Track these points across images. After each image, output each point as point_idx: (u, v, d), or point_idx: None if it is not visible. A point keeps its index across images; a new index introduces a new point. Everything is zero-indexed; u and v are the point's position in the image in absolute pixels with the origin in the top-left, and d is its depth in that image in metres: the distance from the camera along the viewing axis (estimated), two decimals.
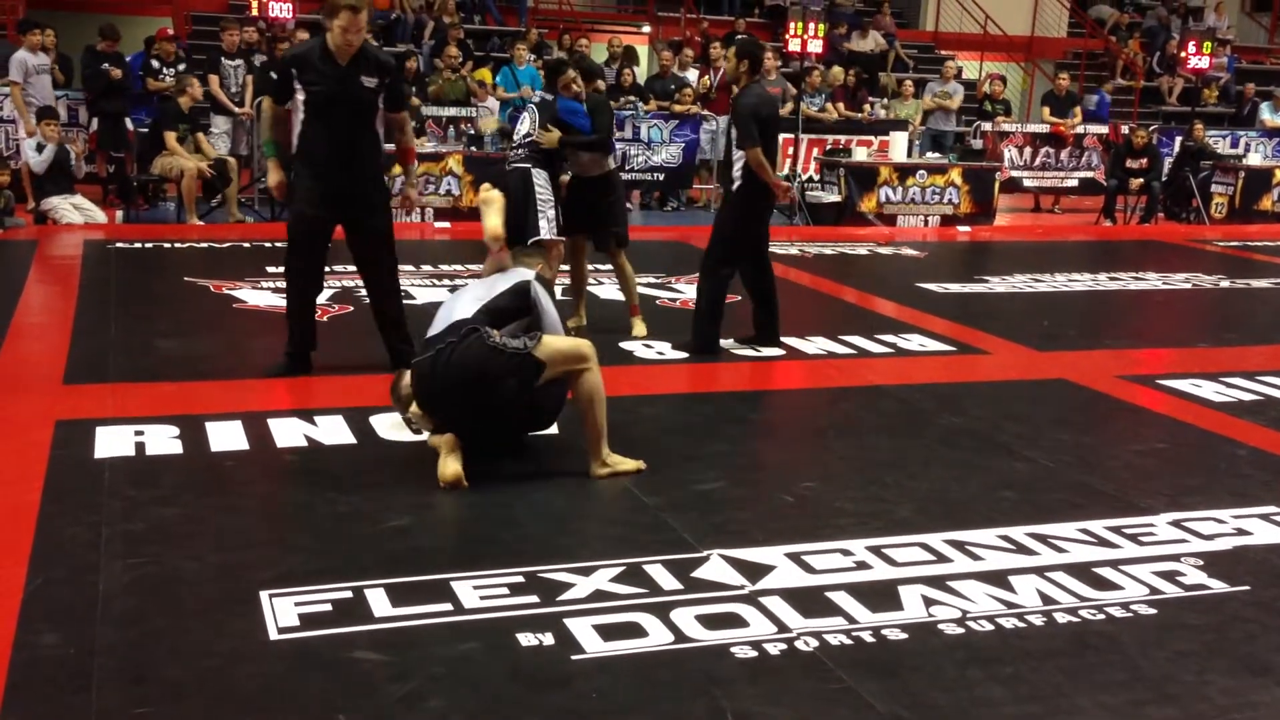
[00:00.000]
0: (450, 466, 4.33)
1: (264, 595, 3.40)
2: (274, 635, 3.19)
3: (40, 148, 10.37)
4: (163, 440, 4.75)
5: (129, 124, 11.56)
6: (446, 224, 11.49)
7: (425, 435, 4.72)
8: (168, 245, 9.57)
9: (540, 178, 6.63)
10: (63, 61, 12.13)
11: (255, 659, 3.08)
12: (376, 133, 5.74)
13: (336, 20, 5.43)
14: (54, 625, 3.21)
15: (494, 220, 5.14)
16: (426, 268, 8.98)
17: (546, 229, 6.62)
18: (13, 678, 2.94)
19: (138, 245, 9.52)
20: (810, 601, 3.50)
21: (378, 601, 3.39)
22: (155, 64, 11.90)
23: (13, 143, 11.33)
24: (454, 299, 4.76)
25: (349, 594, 3.43)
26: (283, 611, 3.31)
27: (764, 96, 6.59)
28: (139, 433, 4.82)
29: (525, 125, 6.76)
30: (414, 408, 4.72)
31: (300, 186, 5.66)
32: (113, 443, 4.69)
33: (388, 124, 5.81)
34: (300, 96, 5.54)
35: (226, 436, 4.82)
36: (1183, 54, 15.76)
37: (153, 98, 11.80)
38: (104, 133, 11.57)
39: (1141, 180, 13.85)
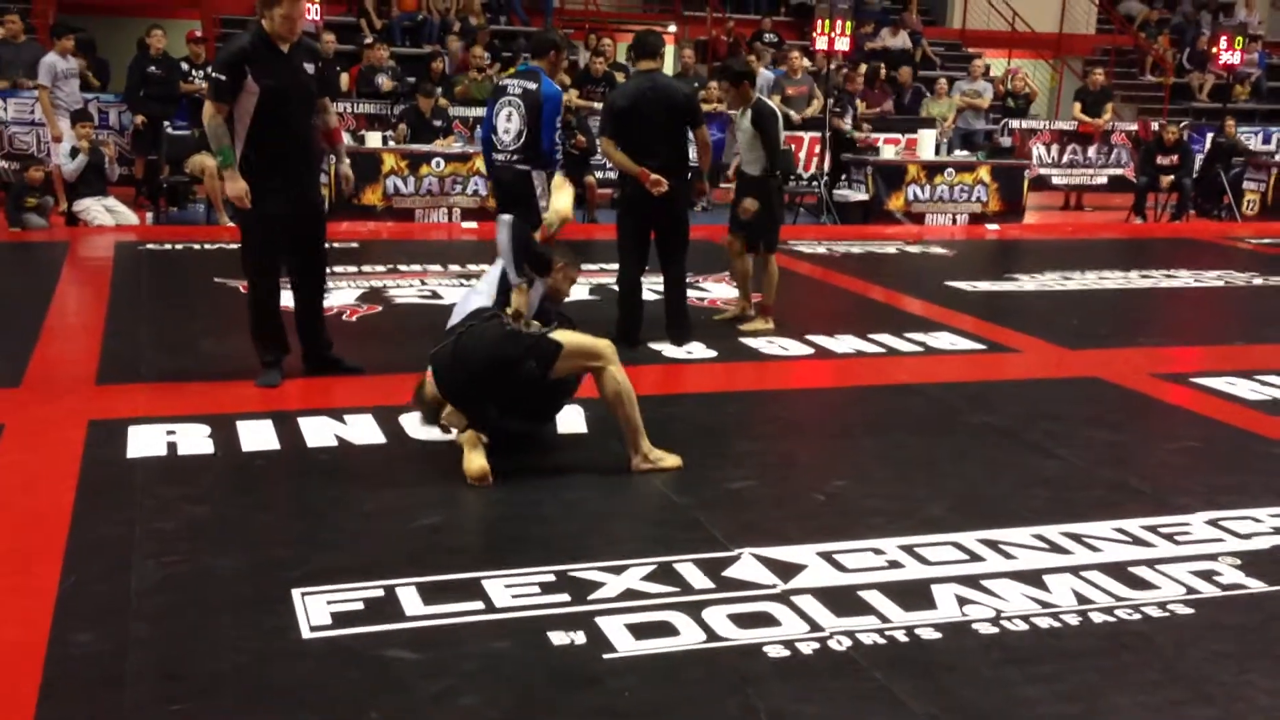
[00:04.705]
0: (475, 462, 4.34)
1: (296, 593, 3.41)
2: (306, 633, 3.20)
3: (74, 153, 10.38)
4: (194, 440, 4.77)
5: (166, 126, 11.62)
6: (474, 224, 11.50)
7: (454, 434, 4.72)
8: (198, 246, 9.62)
9: None
10: (97, 65, 12.19)
11: (288, 657, 3.09)
12: (315, 122, 5.67)
13: (278, 9, 5.28)
14: (88, 623, 3.23)
15: (565, 201, 5.17)
16: (454, 268, 8.99)
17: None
18: (48, 674, 2.96)
19: (168, 246, 9.57)
20: (843, 600, 3.48)
21: (409, 600, 3.39)
22: (185, 66, 11.96)
23: (44, 145, 11.41)
24: (468, 295, 4.80)
25: (381, 592, 3.43)
26: (315, 609, 3.32)
27: (628, 90, 6.64)
28: (171, 432, 4.84)
29: None
30: (448, 410, 4.71)
31: (263, 189, 5.38)
32: (145, 442, 4.72)
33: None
34: (253, 96, 5.29)
35: (257, 436, 4.84)
36: (1213, 49, 15.61)
37: (181, 100, 11.86)
38: (143, 135, 11.60)
39: (1172, 177, 13.72)
